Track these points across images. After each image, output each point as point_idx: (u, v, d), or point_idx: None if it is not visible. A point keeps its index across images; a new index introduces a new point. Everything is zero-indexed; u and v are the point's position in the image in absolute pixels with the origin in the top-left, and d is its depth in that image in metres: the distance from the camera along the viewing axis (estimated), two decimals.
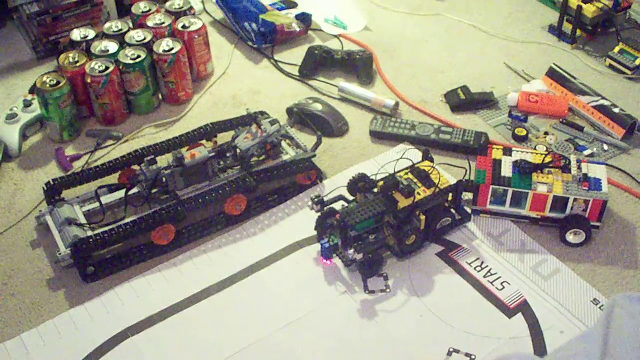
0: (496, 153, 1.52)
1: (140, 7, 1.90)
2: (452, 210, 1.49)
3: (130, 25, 1.88)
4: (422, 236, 1.43)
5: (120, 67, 1.74)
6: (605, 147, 1.68)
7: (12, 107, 1.78)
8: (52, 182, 1.53)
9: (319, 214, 1.44)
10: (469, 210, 1.51)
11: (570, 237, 1.46)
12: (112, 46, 1.78)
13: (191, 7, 1.95)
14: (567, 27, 2.02)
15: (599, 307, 1.35)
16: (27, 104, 1.77)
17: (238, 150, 1.55)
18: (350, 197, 1.48)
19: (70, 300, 1.40)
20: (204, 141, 1.63)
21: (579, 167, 1.48)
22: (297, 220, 1.54)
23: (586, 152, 1.67)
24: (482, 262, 1.44)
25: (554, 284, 1.40)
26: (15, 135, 1.72)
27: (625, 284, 1.40)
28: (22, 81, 1.94)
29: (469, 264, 1.44)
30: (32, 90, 1.81)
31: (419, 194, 1.41)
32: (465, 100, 1.81)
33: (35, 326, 1.36)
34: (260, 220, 1.55)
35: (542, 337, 1.31)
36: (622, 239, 1.48)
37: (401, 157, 1.49)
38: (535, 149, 1.66)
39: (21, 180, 1.66)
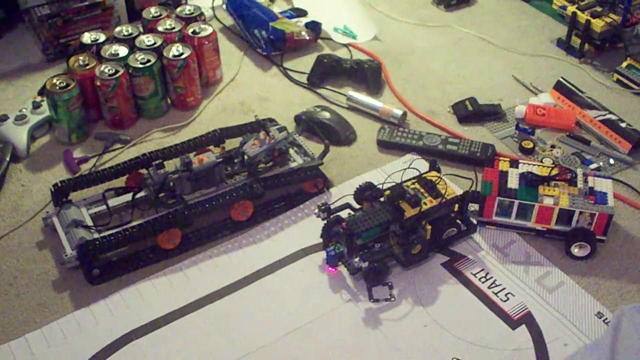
0: (503, 165, 1.52)
1: (151, 12, 1.91)
2: (458, 221, 1.50)
3: (141, 29, 1.89)
4: (427, 246, 1.43)
5: (130, 71, 1.75)
6: (612, 161, 1.69)
7: (21, 108, 1.78)
8: (59, 184, 1.53)
9: (325, 221, 1.44)
10: (474, 222, 1.52)
11: (575, 250, 1.46)
12: (122, 50, 1.79)
13: (202, 14, 1.96)
14: (576, 41, 2.03)
15: (603, 321, 1.35)
16: (36, 106, 1.78)
17: (246, 157, 1.56)
18: (357, 206, 1.49)
19: (76, 302, 1.41)
20: (211, 147, 1.64)
21: (586, 181, 1.48)
22: (304, 227, 1.54)
23: (592, 166, 1.67)
24: (487, 274, 1.44)
25: (559, 296, 1.40)
26: (24, 137, 1.73)
27: (630, 298, 1.40)
28: (31, 83, 1.95)
29: (474, 274, 1.44)
30: (42, 92, 1.82)
31: (425, 204, 1.42)
32: (472, 112, 1.81)
33: (40, 327, 1.36)
34: (266, 226, 1.55)
35: (545, 350, 1.31)
36: (627, 254, 1.48)
37: (408, 167, 1.49)
38: (542, 162, 1.66)
39: (29, 182, 1.67)
